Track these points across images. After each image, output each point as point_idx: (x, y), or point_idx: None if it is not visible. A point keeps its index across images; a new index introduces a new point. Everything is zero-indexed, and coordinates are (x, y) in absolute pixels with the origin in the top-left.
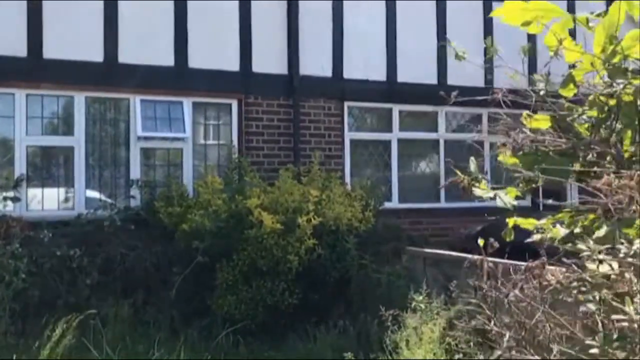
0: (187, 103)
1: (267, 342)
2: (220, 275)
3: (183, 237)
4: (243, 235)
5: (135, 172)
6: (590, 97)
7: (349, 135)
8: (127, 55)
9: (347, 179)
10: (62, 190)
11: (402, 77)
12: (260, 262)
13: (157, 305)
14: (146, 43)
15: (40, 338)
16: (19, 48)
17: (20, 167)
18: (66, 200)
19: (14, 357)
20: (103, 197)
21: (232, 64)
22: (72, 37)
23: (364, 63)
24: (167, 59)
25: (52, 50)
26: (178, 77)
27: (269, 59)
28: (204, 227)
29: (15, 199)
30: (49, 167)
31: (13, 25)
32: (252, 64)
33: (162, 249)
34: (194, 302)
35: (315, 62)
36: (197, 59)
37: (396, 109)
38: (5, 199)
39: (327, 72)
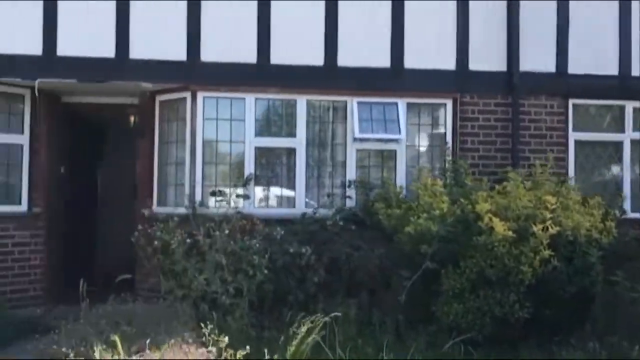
0: (402, 104)
1: (494, 355)
2: (446, 281)
3: (407, 241)
4: (471, 241)
5: (351, 173)
6: None
7: (573, 136)
8: (346, 58)
9: (571, 183)
10: (284, 189)
11: (636, 71)
12: (489, 271)
13: (382, 307)
14: (364, 45)
15: (285, 333)
16: (249, 55)
17: (249, 167)
18: (288, 199)
19: (261, 350)
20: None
21: (448, 62)
22: (295, 43)
23: (592, 57)
24: (384, 60)
25: (278, 56)
26: (394, 78)
27: (486, 56)
28: (429, 231)
29: (245, 197)
30: (273, 167)
31: (245, 33)
32: (468, 62)
33: (384, 250)
34: (418, 307)
35: (537, 58)
36: (413, 59)
37: (630, 106)
38: (237, 196)
39: (550, 67)
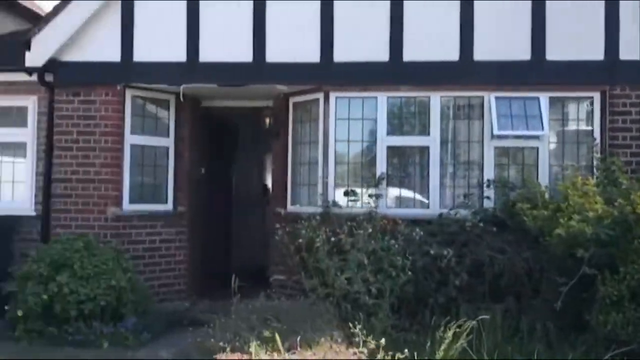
0: (544, 98)
1: None
2: (603, 288)
3: (558, 244)
4: (632, 245)
5: (489, 172)
6: None
7: None
8: (482, 52)
9: None
10: (417, 189)
11: None
12: None
13: (528, 313)
14: (502, 38)
15: (431, 336)
16: (381, 53)
17: (380, 166)
18: (421, 199)
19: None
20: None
21: (596, 52)
22: (428, 39)
23: None
24: (523, 52)
25: (410, 53)
26: (534, 71)
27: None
28: (583, 233)
29: (377, 196)
30: (405, 166)
31: (377, 32)
32: (619, 51)
33: (531, 254)
34: (569, 314)
35: None
36: (555, 50)
37: None
38: (370, 196)
39: None
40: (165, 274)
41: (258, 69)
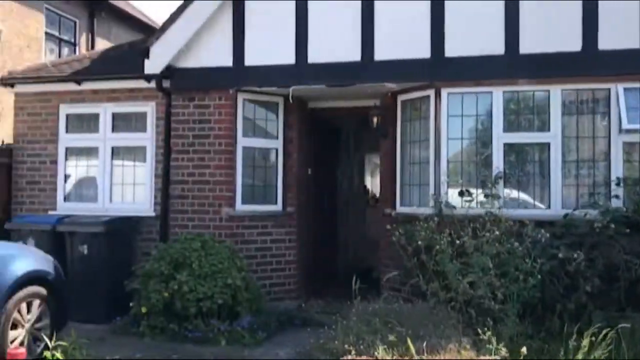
0: None
1: None
2: None
3: None
4: None
5: (617, 169)
6: None
7: None
8: (608, 40)
9: None
10: (537, 188)
11: None
12: None
13: None
14: (630, 25)
15: (564, 345)
16: (495, 47)
17: (497, 165)
18: (541, 198)
19: None
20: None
21: None
22: (547, 29)
23: None
24: None
25: (528, 45)
26: None
27: None
28: None
29: (494, 197)
30: (523, 164)
31: (491, 25)
32: None
33: None
34: None
35: None
36: None
37: None
38: (486, 196)
39: None
40: (276, 274)
41: (366, 67)
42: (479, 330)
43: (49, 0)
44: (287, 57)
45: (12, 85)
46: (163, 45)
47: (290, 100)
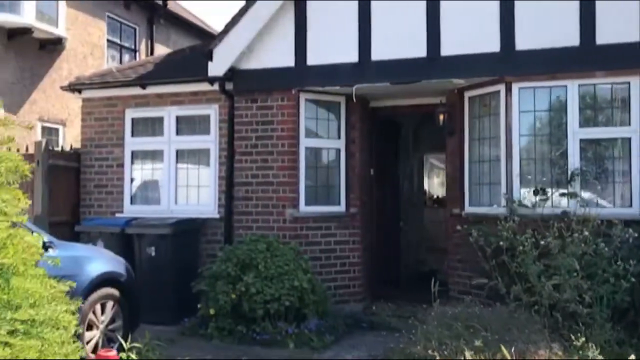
0: None
1: None
2: None
3: None
4: None
5: None
6: None
7: None
8: None
9: None
10: (616, 185)
11: None
12: None
13: None
14: None
15: None
16: (569, 38)
17: (573, 161)
18: (622, 196)
19: None
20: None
21: None
22: (625, 18)
23: None
24: None
25: (605, 35)
26: None
27: None
28: None
29: (572, 195)
30: (601, 160)
31: (564, 15)
32: None
33: None
34: None
35: None
36: None
37: None
38: (562, 194)
39: None
40: (341, 276)
41: (432, 63)
42: (569, 335)
43: (110, 9)
44: (350, 55)
45: (79, 91)
46: (226, 47)
47: (354, 100)
